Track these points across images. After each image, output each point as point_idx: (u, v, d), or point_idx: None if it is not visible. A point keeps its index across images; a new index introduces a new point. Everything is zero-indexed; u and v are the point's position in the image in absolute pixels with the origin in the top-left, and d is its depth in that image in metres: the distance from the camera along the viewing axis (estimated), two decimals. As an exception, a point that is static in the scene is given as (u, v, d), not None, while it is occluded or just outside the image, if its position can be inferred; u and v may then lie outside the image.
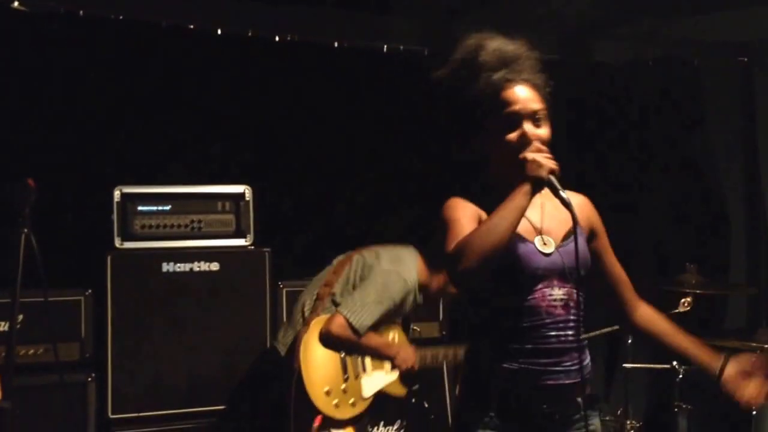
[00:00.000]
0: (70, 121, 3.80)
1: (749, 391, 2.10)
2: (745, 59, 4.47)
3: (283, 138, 4.11)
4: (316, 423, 3.14)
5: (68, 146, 3.79)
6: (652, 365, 3.77)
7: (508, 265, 1.97)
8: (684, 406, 3.56)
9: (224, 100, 4.03)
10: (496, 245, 1.86)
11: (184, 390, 3.55)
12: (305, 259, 3.91)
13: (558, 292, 2.01)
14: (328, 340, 3.11)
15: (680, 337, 2.21)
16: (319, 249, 3.88)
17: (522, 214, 1.92)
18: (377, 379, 3.30)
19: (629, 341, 3.56)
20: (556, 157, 1.98)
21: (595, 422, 2.10)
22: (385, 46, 4.20)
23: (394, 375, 3.33)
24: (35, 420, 3.28)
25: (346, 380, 3.20)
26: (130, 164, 3.85)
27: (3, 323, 3.32)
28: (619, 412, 3.62)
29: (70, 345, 3.47)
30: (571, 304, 2.01)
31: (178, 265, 3.59)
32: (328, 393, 3.14)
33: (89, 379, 3.44)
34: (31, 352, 3.38)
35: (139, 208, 3.59)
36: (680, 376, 3.52)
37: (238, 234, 3.71)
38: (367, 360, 3.28)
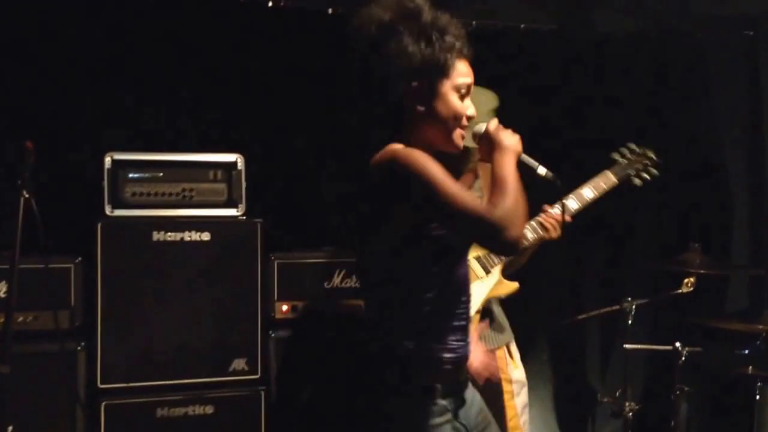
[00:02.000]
0: (60, 85, 3.73)
1: None
2: (751, 33, 4.35)
3: (277, 106, 4.02)
4: None
5: (58, 111, 3.72)
6: (652, 347, 3.70)
7: (455, 240, 1.96)
8: (685, 388, 3.50)
9: (217, 66, 3.94)
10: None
11: (174, 361, 3.50)
12: (298, 230, 3.85)
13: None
14: None
15: None
16: (312, 220, 3.82)
17: None
18: (475, 291, 3.00)
19: (629, 322, 3.49)
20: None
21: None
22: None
23: (495, 275, 3.11)
24: (24, 388, 3.24)
25: None
26: (121, 130, 3.77)
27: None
28: (617, 393, 3.56)
29: (60, 313, 3.40)
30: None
31: (169, 234, 3.53)
32: None
33: (79, 347, 3.41)
34: (20, 319, 3.33)
35: (130, 175, 3.53)
36: (682, 358, 3.45)
37: (230, 204, 3.64)
38: None
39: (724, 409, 3.76)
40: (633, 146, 3.32)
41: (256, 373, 3.59)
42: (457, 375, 2.05)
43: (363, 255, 2.09)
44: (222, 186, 3.64)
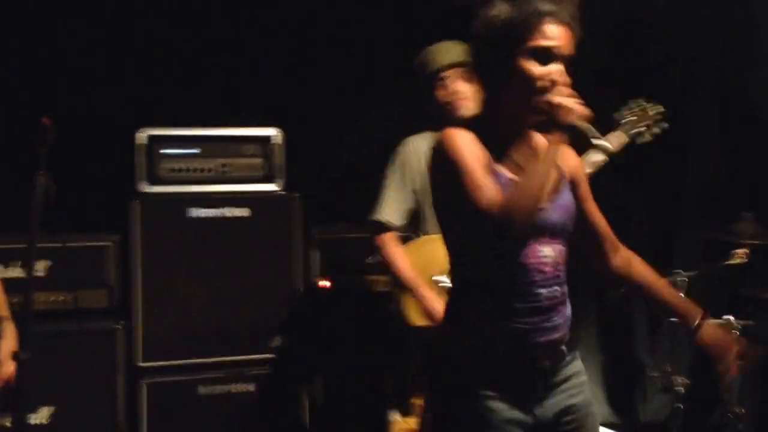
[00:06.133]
0: (93, 60, 3.68)
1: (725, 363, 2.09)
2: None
3: (315, 78, 3.93)
4: None
5: (91, 86, 3.67)
6: (703, 320, 3.59)
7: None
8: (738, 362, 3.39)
9: (253, 38, 3.86)
10: (540, 206, 1.80)
11: (214, 338, 3.47)
12: (338, 205, 3.78)
13: (547, 249, 1.94)
14: None
15: (661, 284, 2.14)
16: (352, 195, 3.73)
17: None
18: None
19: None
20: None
21: (578, 363, 2.06)
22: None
23: None
24: (64, 368, 3.25)
25: None
26: (155, 105, 3.70)
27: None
28: (667, 367, 3.46)
29: (98, 292, 3.41)
30: (560, 260, 1.97)
31: (206, 210, 3.48)
32: None
33: (118, 326, 3.38)
34: (61, 298, 3.32)
35: (165, 151, 3.48)
36: (735, 331, 3.34)
37: (268, 179, 3.58)
38: None
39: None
40: (639, 102, 3.22)
41: (296, 351, 3.54)
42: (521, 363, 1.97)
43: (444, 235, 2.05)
44: (259, 160, 3.57)
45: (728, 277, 3.51)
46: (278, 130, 3.59)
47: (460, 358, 1.95)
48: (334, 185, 3.89)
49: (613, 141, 3.11)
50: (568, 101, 1.85)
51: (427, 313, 2.91)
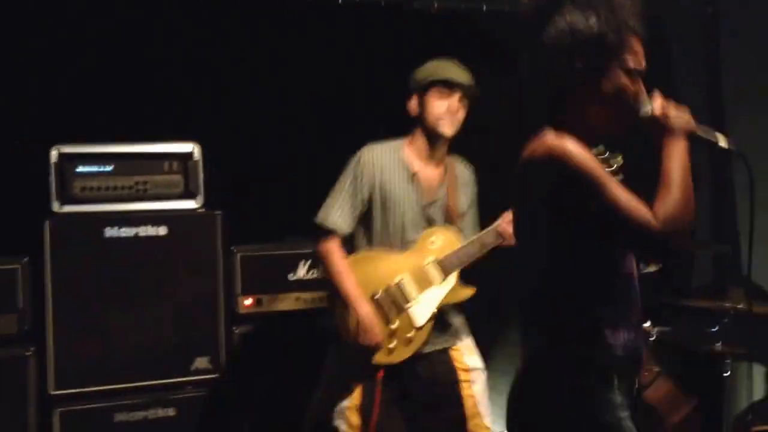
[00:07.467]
0: (3, 75, 3.51)
1: None
2: (711, 10, 4.34)
3: (235, 92, 3.86)
4: (379, 375, 2.96)
5: (3, 103, 3.49)
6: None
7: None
8: (654, 369, 3.49)
9: (169, 51, 3.76)
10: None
11: (131, 363, 3.35)
12: (261, 222, 3.71)
13: (633, 261, 1.94)
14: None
15: None
16: (276, 212, 3.68)
17: None
18: (430, 298, 3.03)
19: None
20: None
21: None
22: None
23: (451, 281, 3.05)
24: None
25: (389, 323, 2.97)
26: (67, 122, 3.55)
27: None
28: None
29: (7, 317, 3.24)
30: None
31: (123, 229, 3.37)
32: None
33: (28, 353, 3.23)
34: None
35: (79, 169, 3.35)
36: (651, 337, 3.44)
37: (187, 196, 3.48)
38: (408, 285, 3.02)
39: (693, 387, 3.75)
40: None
41: (220, 372, 3.45)
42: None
43: (526, 252, 1.99)
44: (178, 177, 3.48)
45: (644, 284, 3.60)
46: (197, 145, 3.50)
47: (584, 363, 1.89)
48: (255, 202, 3.82)
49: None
50: (680, 110, 1.88)
51: (364, 331, 2.89)
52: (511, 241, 2.99)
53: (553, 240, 1.88)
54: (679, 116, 1.89)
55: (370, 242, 3.02)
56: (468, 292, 3.11)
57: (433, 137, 3.06)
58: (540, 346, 1.94)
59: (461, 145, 3.18)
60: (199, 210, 3.51)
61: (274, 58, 3.91)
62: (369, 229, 3.02)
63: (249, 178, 3.83)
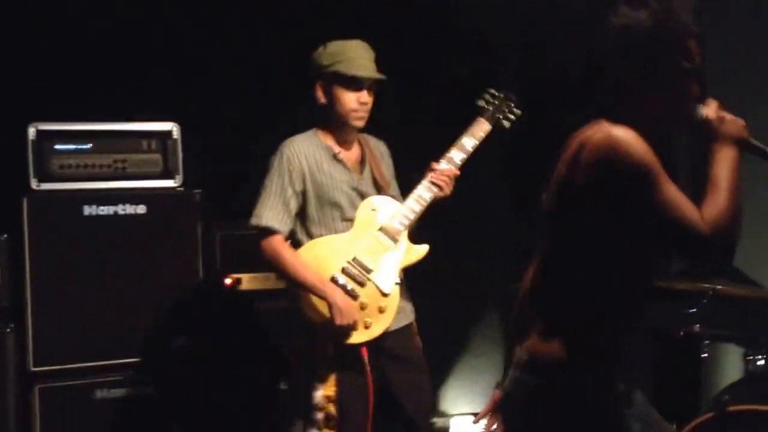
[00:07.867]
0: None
1: None
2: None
3: (215, 70, 3.85)
4: (365, 355, 2.96)
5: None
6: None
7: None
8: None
9: (149, 29, 3.73)
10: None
11: (111, 340, 3.35)
12: (240, 201, 3.70)
13: None
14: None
15: None
16: (255, 190, 3.67)
17: None
18: (390, 264, 3.01)
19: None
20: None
21: None
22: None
23: (403, 243, 3.04)
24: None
25: (356, 298, 2.94)
26: (46, 99, 3.53)
27: None
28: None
29: (-14, 293, 3.24)
30: None
31: (101, 207, 3.37)
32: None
33: (8, 329, 3.23)
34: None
35: (57, 146, 3.34)
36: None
37: (166, 175, 3.48)
38: (363, 258, 2.99)
39: (671, 368, 3.77)
40: (493, 91, 3.32)
41: (199, 350, 3.46)
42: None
43: (556, 243, 1.95)
44: (157, 156, 3.48)
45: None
46: (176, 124, 3.49)
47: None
48: (233, 180, 3.82)
49: (478, 128, 3.21)
50: (735, 118, 1.89)
51: (339, 312, 2.89)
52: (446, 191, 3.05)
53: (591, 228, 1.86)
54: (734, 123, 1.89)
55: (310, 235, 3.01)
56: (423, 249, 3.10)
57: (344, 126, 3.05)
58: (550, 342, 1.92)
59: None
60: (179, 189, 3.51)
61: (255, 34, 3.89)
62: (306, 221, 3.00)
63: (228, 156, 3.83)
